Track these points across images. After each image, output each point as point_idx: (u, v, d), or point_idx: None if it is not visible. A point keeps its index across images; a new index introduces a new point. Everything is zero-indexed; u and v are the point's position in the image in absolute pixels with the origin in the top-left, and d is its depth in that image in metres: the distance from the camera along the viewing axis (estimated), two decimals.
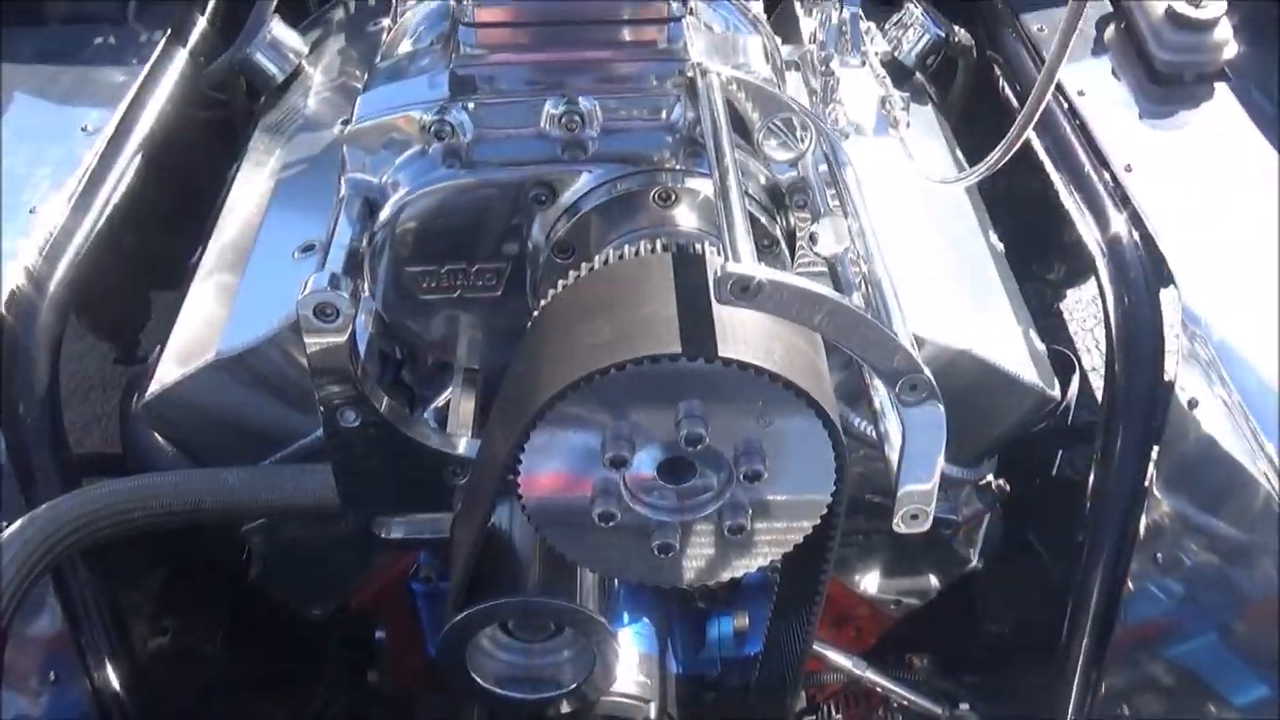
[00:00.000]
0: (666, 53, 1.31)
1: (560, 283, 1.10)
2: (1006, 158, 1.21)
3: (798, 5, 1.82)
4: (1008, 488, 1.57)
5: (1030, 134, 1.20)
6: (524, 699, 1.29)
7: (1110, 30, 1.89)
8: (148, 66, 1.87)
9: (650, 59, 1.31)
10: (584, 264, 1.11)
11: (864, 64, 1.71)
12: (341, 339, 1.17)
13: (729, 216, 1.05)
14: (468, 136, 1.27)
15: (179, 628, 1.74)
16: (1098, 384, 1.62)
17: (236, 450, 1.44)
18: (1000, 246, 1.68)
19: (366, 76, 1.44)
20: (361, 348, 1.27)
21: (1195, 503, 1.43)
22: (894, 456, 1.08)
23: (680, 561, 1.12)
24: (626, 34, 1.31)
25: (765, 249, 1.28)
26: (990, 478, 1.57)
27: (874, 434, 1.15)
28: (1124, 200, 1.60)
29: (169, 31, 1.95)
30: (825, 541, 1.14)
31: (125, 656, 1.51)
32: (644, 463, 1.06)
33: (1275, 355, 1.37)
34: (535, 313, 1.12)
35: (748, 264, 0.96)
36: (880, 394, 1.14)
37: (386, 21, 1.75)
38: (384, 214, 1.28)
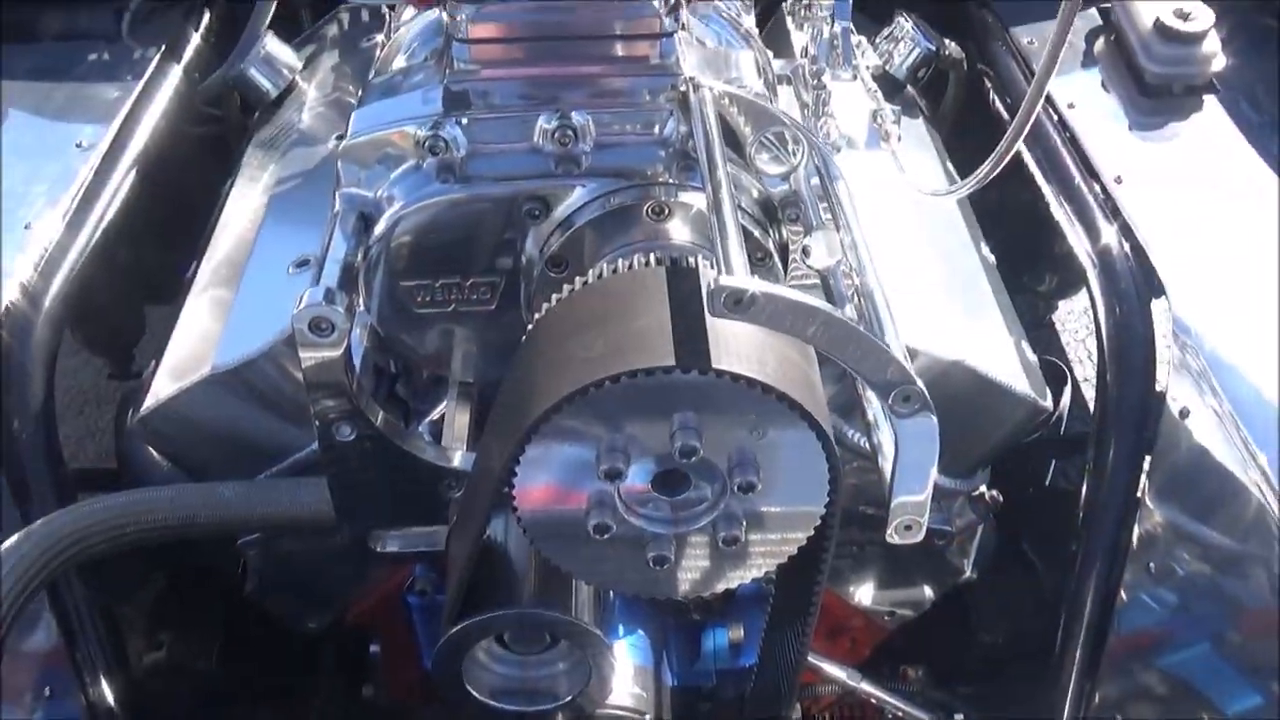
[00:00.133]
0: (659, 68, 1.32)
1: (554, 296, 1.10)
2: (997, 170, 1.22)
3: (789, 20, 1.82)
4: (1001, 498, 1.57)
5: (1021, 146, 1.21)
6: (520, 711, 1.29)
7: (1100, 43, 1.91)
8: (142, 82, 1.88)
9: (643, 74, 1.32)
10: (578, 278, 1.11)
11: (855, 78, 1.72)
12: (337, 353, 1.17)
13: (722, 230, 1.05)
14: (462, 151, 1.27)
15: (174, 642, 1.74)
16: (1090, 394, 1.62)
17: (232, 464, 1.44)
18: (992, 258, 1.68)
19: (361, 92, 1.44)
20: (357, 362, 1.27)
21: (1187, 512, 1.43)
22: (887, 468, 1.08)
23: (675, 573, 1.12)
24: (619, 49, 1.32)
25: (758, 262, 1.28)
26: (983, 488, 1.58)
27: (867, 445, 1.16)
28: (1114, 212, 1.61)
29: (163, 48, 1.96)
30: (819, 553, 1.15)
31: (120, 671, 1.50)
32: (639, 475, 1.06)
33: (1266, 365, 1.38)
34: (529, 326, 1.12)
35: (741, 277, 0.97)
36: (873, 406, 1.15)
37: (380, 37, 1.76)
38: (379, 228, 1.28)
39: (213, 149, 2.04)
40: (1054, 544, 1.69)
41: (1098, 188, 1.65)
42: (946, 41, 1.97)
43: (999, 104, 1.97)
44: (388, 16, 1.73)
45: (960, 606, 1.81)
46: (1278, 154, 1.67)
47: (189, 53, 2.01)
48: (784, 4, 1.86)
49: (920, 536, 1.10)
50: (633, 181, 1.28)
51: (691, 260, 1.09)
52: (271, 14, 1.91)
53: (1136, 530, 1.46)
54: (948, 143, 1.94)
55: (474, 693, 1.27)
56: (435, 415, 1.48)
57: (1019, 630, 1.83)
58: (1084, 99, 1.80)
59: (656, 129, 1.29)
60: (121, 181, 1.72)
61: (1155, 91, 1.78)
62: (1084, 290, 1.60)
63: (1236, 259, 1.53)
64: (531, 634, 1.26)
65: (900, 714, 1.77)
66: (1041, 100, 1.13)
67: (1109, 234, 1.58)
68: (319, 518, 1.33)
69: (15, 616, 1.20)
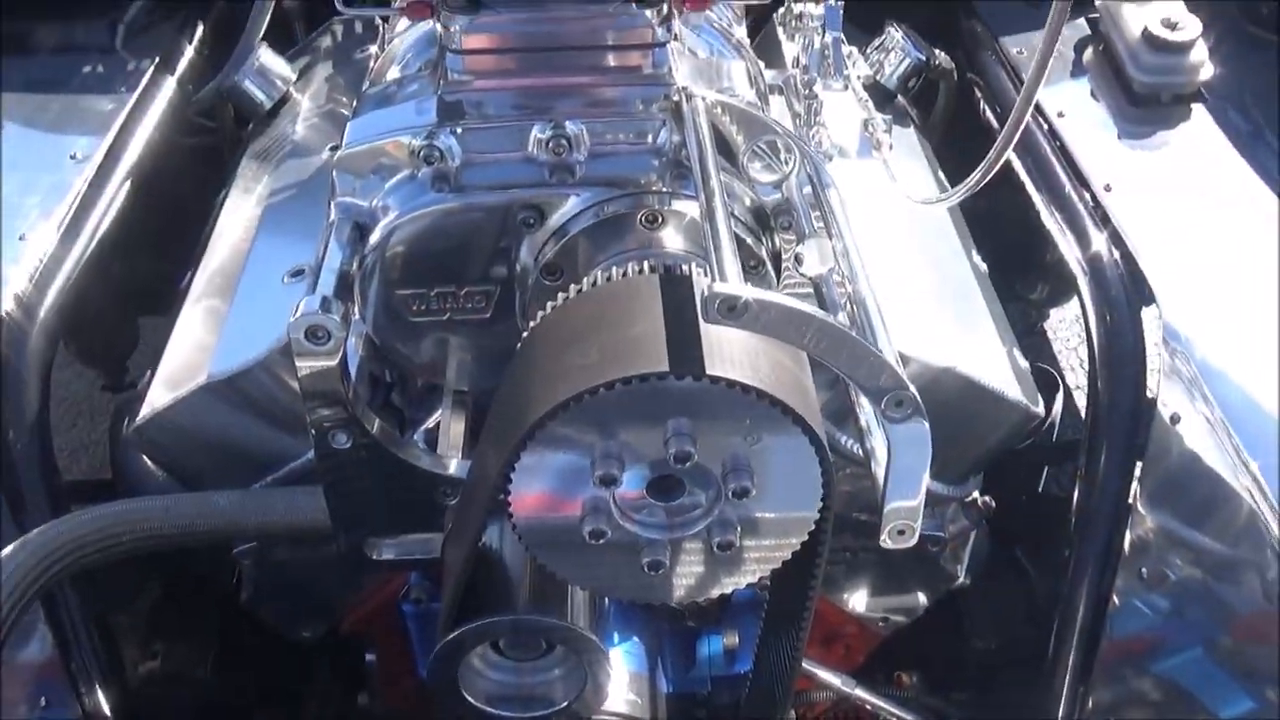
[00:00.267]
0: (652, 78, 1.32)
1: (549, 304, 1.11)
2: (987, 178, 1.23)
3: (780, 30, 1.83)
4: (993, 504, 1.58)
5: (1011, 155, 1.21)
6: (516, 718, 1.29)
7: (1089, 52, 1.92)
8: (136, 94, 1.88)
9: (636, 84, 1.32)
10: (572, 286, 1.11)
11: (846, 87, 1.73)
12: (333, 362, 1.17)
13: (715, 238, 1.06)
14: (456, 161, 1.27)
15: (169, 651, 1.74)
16: (1081, 401, 1.63)
17: (227, 474, 1.45)
18: (983, 266, 1.69)
19: (355, 102, 1.45)
20: (352, 370, 1.27)
21: (1179, 518, 1.44)
22: (880, 473, 1.08)
23: (670, 579, 1.12)
24: (612, 59, 1.33)
25: (751, 270, 1.29)
26: (976, 494, 1.58)
27: (860, 451, 1.16)
28: (1104, 220, 1.61)
29: (157, 60, 1.96)
30: (813, 558, 1.15)
31: (115, 680, 1.50)
32: (633, 481, 1.06)
33: (1256, 370, 1.39)
34: (524, 334, 1.12)
35: (734, 284, 0.97)
36: (866, 411, 1.15)
37: (374, 48, 1.77)
38: (374, 238, 1.29)
39: (207, 160, 2.04)
40: (1046, 550, 1.69)
41: (1088, 196, 1.66)
42: (936, 51, 1.98)
43: (989, 113, 1.98)
44: (381, 28, 1.73)
45: (954, 612, 1.81)
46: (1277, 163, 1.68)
47: (183, 65, 2.01)
48: (775, 15, 1.87)
49: (913, 542, 1.10)
50: (626, 190, 1.28)
51: (685, 268, 1.10)
52: (265, 26, 1.91)
53: (1128, 536, 1.46)
54: (938, 152, 1.95)
55: (469, 699, 1.27)
56: (430, 423, 1.48)
57: (1012, 636, 1.83)
58: (1073, 108, 1.81)
59: (650, 138, 1.30)
60: (116, 193, 1.73)
61: (1144, 100, 1.79)
62: (1075, 298, 1.61)
63: (1226, 266, 1.54)
64: (527, 640, 1.26)
65: None
66: (1031, 109, 1.14)
67: (1099, 242, 1.59)
68: (315, 526, 1.33)
69: (11, 626, 1.20)
